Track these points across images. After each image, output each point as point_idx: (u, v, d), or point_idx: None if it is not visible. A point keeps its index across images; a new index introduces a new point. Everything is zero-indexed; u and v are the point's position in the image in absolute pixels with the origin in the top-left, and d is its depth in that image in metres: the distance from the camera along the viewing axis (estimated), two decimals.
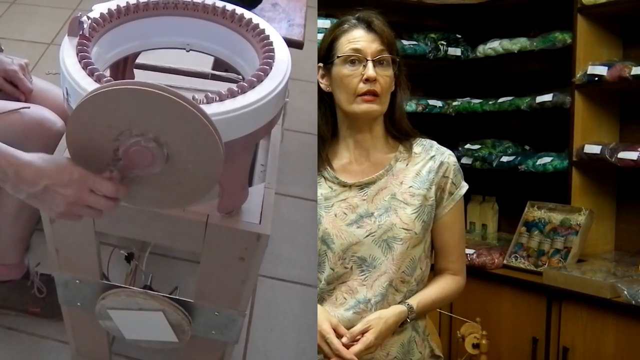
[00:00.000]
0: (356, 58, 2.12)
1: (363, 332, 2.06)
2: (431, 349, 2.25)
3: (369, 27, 2.15)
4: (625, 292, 3.24)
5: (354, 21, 2.18)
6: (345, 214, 2.16)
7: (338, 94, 2.17)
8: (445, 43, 4.67)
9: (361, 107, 2.12)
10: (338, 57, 2.15)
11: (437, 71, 4.82)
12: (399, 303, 2.15)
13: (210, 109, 1.70)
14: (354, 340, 2.06)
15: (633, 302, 3.21)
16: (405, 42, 4.45)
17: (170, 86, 1.59)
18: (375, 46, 2.12)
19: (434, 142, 2.27)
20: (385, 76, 2.12)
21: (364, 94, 2.11)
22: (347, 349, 2.04)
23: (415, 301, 2.15)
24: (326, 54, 2.20)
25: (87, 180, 1.66)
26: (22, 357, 2.75)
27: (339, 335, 2.07)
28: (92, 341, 2.66)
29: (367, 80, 2.10)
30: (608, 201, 4.08)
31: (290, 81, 2.00)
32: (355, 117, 2.16)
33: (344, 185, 2.19)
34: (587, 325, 3.42)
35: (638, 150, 3.61)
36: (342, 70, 2.14)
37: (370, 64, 2.10)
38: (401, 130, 2.23)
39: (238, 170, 1.99)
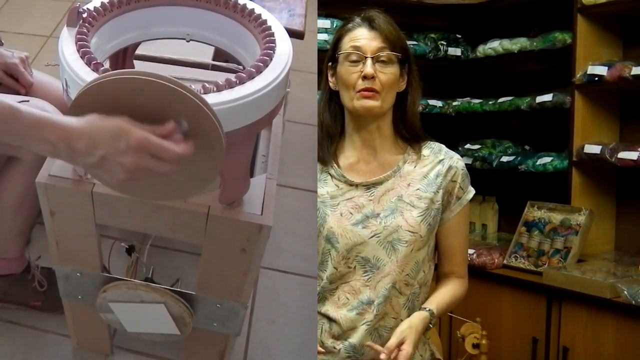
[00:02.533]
0: (356, 56, 2.12)
1: (399, 345, 2.02)
2: (431, 352, 2.25)
3: (371, 25, 2.15)
4: (625, 292, 3.24)
5: (358, 20, 2.18)
6: (351, 213, 2.15)
7: (341, 92, 2.17)
8: (445, 43, 4.68)
9: (359, 102, 2.12)
10: (338, 54, 2.16)
11: (437, 71, 4.80)
12: (420, 309, 2.13)
13: (211, 99, 1.70)
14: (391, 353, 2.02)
15: (633, 302, 3.20)
16: None
17: (171, 77, 1.60)
18: (375, 44, 2.12)
19: (443, 146, 2.26)
20: (386, 73, 2.11)
21: (363, 90, 2.11)
22: None
23: (434, 306, 2.14)
24: (332, 53, 2.21)
25: (147, 145, 1.55)
26: (23, 350, 2.74)
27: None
28: (94, 334, 2.66)
29: (365, 78, 2.10)
30: (608, 201, 4.08)
31: (291, 72, 2.01)
32: (357, 114, 2.16)
33: (351, 184, 2.18)
34: (587, 325, 3.42)
35: (638, 150, 3.61)
36: (343, 67, 2.14)
37: (369, 61, 2.10)
38: (412, 131, 2.23)
39: (239, 161, 1.99)
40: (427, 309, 2.12)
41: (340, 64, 2.16)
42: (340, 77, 2.15)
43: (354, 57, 2.12)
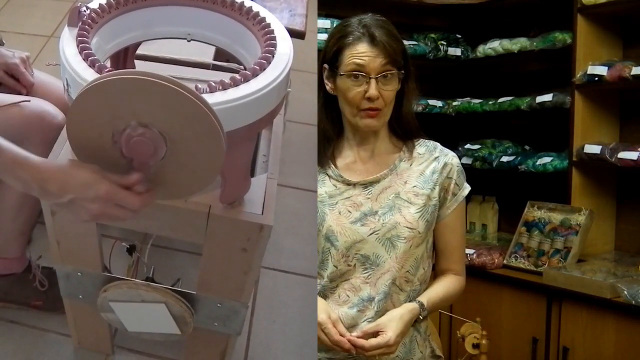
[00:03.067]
0: (359, 74, 2.10)
1: (375, 333, 2.04)
2: (432, 348, 2.26)
3: (373, 40, 2.10)
4: (625, 292, 3.25)
5: (357, 33, 2.13)
6: (349, 212, 2.16)
7: (342, 104, 2.17)
8: (445, 43, 4.68)
9: (364, 122, 2.13)
10: (341, 75, 2.13)
11: (437, 71, 4.81)
12: (409, 302, 2.15)
13: (212, 99, 1.71)
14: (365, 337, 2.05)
15: (633, 302, 3.21)
16: (405, 42, 4.43)
17: (172, 77, 1.60)
18: (379, 61, 2.09)
19: (438, 144, 2.27)
20: (389, 90, 2.11)
21: (366, 109, 2.11)
22: (365, 346, 2.03)
23: (425, 299, 2.15)
24: (331, 61, 2.18)
25: (113, 197, 1.68)
26: (25, 350, 2.74)
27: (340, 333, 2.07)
28: (94, 334, 2.67)
29: (370, 99, 2.09)
30: (608, 201, 4.08)
31: (292, 72, 2.00)
32: (358, 129, 2.17)
33: (349, 183, 2.19)
34: (587, 325, 3.42)
35: (638, 150, 3.61)
36: (345, 84, 2.12)
37: (373, 83, 2.08)
38: (407, 128, 2.23)
39: (240, 161, 1.99)
40: (418, 301, 2.14)
41: (340, 78, 2.13)
42: (342, 92, 2.14)
43: (357, 75, 2.10)
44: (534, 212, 4.08)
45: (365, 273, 2.13)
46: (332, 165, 2.22)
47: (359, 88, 2.10)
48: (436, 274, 2.30)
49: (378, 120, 2.13)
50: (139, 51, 2.51)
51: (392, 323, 2.05)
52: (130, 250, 2.62)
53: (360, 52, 2.11)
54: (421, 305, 2.12)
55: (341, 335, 2.04)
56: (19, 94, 2.64)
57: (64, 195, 1.67)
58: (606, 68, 3.74)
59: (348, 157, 2.23)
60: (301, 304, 3.12)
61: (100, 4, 2.01)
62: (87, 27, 1.92)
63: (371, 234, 2.13)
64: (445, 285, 2.24)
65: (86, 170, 1.69)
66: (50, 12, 4.86)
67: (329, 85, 2.19)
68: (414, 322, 2.15)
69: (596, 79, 3.77)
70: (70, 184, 1.67)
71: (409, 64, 2.18)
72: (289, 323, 3.04)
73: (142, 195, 1.72)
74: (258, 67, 1.85)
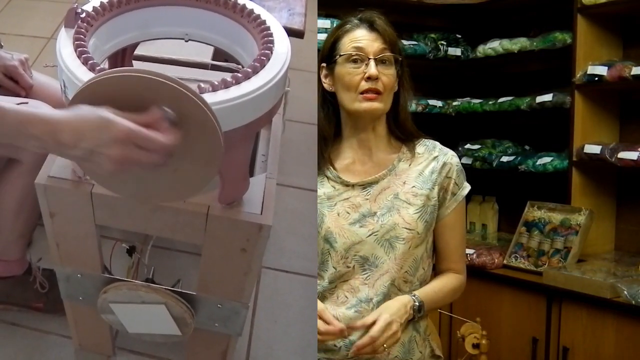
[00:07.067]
0: (358, 57, 2.12)
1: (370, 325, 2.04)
2: (432, 348, 2.25)
3: (371, 26, 2.15)
4: (625, 292, 3.25)
5: (356, 21, 2.18)
6: (348, 213, 2.16)
7: (341, 93, 2.17)
8: (445, 43, 4.69)
9: (363, 105, 2.12)
10: (340, 55, 2.15)
11: (437, 71, 4.83)
12: None
13: (209, 98, 1.70)
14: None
15: (633, 302, 3.21)
16: (405, 42, 4.46)
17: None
18: (377, 45, 2.13)
19: (437, 143, 2.27)
20: (387, 75, 2.12)
21: (366, 91, 2.12)
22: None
23: (418, 292, 2.15)
24: (329, 54, 2.20)
25: (132, 137, 1.51)
26: (26, 352, 2.75)
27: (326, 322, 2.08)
28: (95, 335, 2.66)
29: (369, 79, 2.10)
30: (608, 201, 4.09)
31: (292, 71, 2.00)
32: (358, 115, 2.16)
33: (347, 184, 2.19)
34: (587, 325, 3.42)
35: (638, 150, 3.61)
36: (344, 69, 2.14)
37: (372, 63, 2.10)
38: (405, 131, 2.24)
39: (238, 160, 1.99)
40: (411, 293, 2.14)
41: (340, 65, 2.16)
42: (341, 79, 2.15)
43: (355, 58, 2.13)
44: (534, 212, 4.08)
45: (364, 274, 2.13)
46: (331, 167, 2.21)
47: (358, 71, 2.12)
48: (436, 273, 2.29)
49: (378, 102, 2.13)
50: (138, 52, 2.51)
51: (383, 309, 2.06)
52: (131, 251, 2.62)
53: (359, 37, 2.15)
54: (413, 295, 2.12)
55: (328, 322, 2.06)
56: (18, 96, 2.64)
57: (79, 144, 1.49)
58: (606, 68, 3.75)
59: (347, 159, 2.23)
60: (303, 304, 3.12)
61: (97, 5, 2.01)
62: (84, 28, 1.92)
63: (370, 235, 2.13)
64: (442, 282, 2.24)
65: (98, 111, 1.52)
66: (50, 13, 4.87)
67: (326, 83, 2.20)
68: (413, 322, 2.15)
69: (596, 79, 3.78)
70: (83, 129, 1.50)
71: (403, 61, 2.20)
72: (290, 323, 3.04)
73: (165, 133, 1.55)
74: (255, 67, 1.85)
